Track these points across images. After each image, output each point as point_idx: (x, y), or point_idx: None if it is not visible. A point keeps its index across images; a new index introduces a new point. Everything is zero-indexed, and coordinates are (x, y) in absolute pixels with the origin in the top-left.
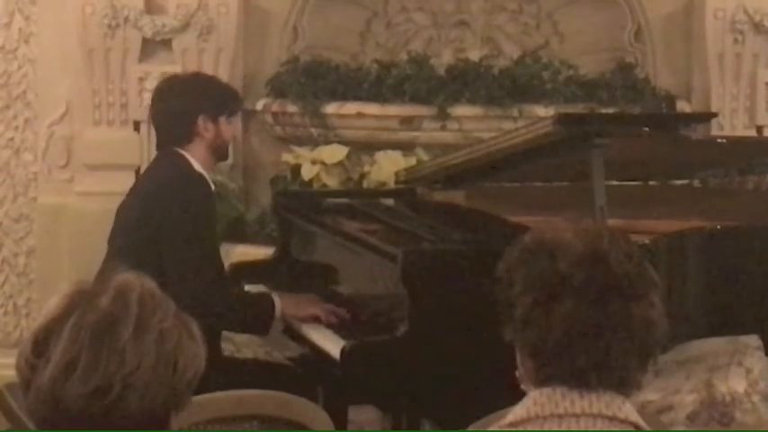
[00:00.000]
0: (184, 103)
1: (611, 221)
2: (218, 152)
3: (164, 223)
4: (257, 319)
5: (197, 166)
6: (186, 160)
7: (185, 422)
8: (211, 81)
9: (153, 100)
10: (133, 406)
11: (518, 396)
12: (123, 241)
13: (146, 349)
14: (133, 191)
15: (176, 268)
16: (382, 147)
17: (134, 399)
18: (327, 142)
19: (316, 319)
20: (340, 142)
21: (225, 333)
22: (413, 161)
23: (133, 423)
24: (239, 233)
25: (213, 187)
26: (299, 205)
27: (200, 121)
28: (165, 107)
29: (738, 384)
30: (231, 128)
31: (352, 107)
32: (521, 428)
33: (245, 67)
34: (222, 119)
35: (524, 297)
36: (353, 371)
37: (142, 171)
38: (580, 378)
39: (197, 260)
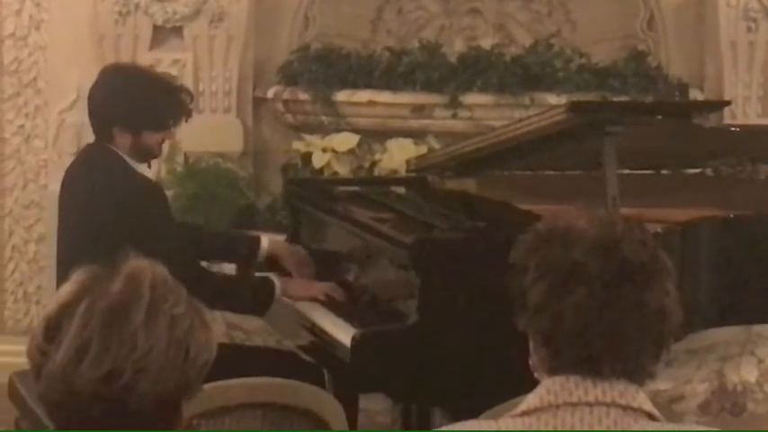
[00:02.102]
0: (102, 107)
1: (624, 210)
2: (143, 156)
3: (119, 237)
4: (255, 298)
5: (132, 163)
6: (119, 159)
7: (196, 410)
8: (147, 90)
9: (95, 81)
10: (144, 391)
11: (531, 384)
12: (73, 244)
13: (157, 334)
14: (71, 190)
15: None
16: (393, 135)
17: (145, 384)
18: (338, 130)
19: (316, 300)
20: (351, 130)
21: (235, 321)
22: (424, 149)
23: (145, 408)
24: (250, 221)
25: (149, 176)
26: (309, 193)
27: (116, 130)
28: (91, 98)
29: (750, 374)
30: (158, 137)
31: (363, 95)
32: (534, 417)
33: (255, 54)
34: (145, 133)
35: (537, 285)
36: (364, 359)
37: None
38: (593, 366)
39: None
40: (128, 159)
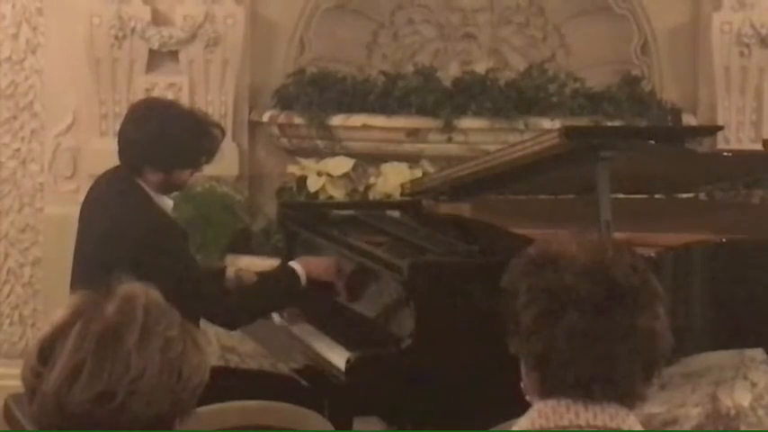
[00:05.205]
0: (135, 148)
1: (617, 234)
2: (171, 189)
3: (141, 269)
4: (287, 294)
5: (155, 196)
6: (144, 195)
7: None
8: (180, 131)
9: (125, 116)
10: (138, 412)
11: (523, 408)
12: (87, 266)
13: (150, 356)
14: (90, 220)
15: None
16: (388, 159)
17: (138, 405)
18: (333, 154)
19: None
20: (346, 154)
21: (229, 344)
22: (419, 173)
23: (137, 430)
24: (245, 244)
25: (170, 206)
26: (304, 217)
27: (147, 168)
28: (122, 137)
29: (743, 398)
30: (189, 173)
31: (358, 119)
32: None
33: (251, 78)
34: (177, 171)
35: (529, 309)
36: (358, 382)
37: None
38: (584, 390)
39: (194, 287)
40: (152, 193)
